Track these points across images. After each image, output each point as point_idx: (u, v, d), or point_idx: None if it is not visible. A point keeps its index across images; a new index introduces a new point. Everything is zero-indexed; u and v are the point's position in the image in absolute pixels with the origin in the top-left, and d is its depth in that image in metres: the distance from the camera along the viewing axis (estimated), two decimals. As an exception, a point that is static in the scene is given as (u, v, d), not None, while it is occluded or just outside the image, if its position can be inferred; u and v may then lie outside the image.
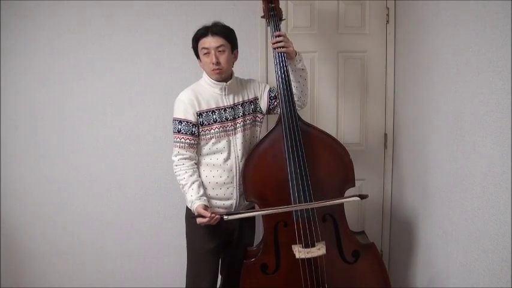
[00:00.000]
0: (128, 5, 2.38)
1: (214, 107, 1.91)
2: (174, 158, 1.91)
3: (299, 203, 1.82)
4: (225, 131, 1.93)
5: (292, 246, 1.86)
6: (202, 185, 1.90)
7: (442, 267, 1.93)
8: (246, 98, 1.99)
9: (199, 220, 1.77)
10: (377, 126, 2.55)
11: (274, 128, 1.90)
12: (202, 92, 1.92)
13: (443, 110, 1.88)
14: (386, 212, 2.59)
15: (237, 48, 1.95)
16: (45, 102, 2.42)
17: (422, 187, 2.11)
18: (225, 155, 1.93)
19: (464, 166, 1.71)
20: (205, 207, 1.79)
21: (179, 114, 1.89)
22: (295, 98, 1.94)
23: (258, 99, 2.02)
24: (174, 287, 2.52)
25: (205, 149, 1.93)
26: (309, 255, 1.83)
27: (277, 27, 1.92)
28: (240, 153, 1.94)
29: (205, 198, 1.85)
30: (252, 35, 2.41)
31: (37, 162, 2.45)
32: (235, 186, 1.95)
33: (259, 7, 2.34)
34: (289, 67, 1.90)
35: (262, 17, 2.03)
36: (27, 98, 2.41)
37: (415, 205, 2.24)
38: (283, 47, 1.86)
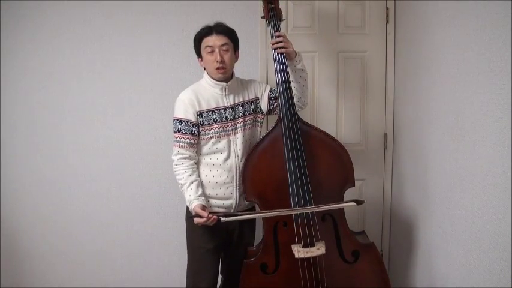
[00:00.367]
0: (127, 5, 2.38)
1: (214, 107, 1.92)
2: (173, 158, 1.91)
3: (299, 206, 1.82)
4: (225, 131, 1.93)
5: (292, 245, 1.86)
6: (201, 185, 1.90)
7: (442, 267, 1.93)
8: (246, 98, 1.99)
9: (196, 220, 1.78)
10: (377, 126, 2.55)
11: (273, 128, 1.90)
12: (202, 92, 1.93)
13: (443, 110, 1.88)
14: (386, 212, 2.59)
15: (238, 49, 1.96)
16: (45, 102, 2.42)
17: (422, 187, 2.11)
18: (225, 154, 1.93)
19: (464, 166, 1.71)
20: (203, 208, 1.79)
21: (179, 113, 1.90)
22: (295, 99, 1.94)
23: (258, 99, 2.02)
24: (174, 287, 2.52)
25: (205, 149, 1.93)
26: (308, 255, 1.83)
27: (277, 28, 1.92)
28: (240, 153, 1.95)
29: (203, 198, 1.85)
30: (252, 35, 2.41)
31: (37, 162, 2.45)
32: (235, 186, 1.95)
33: (259, 7, 2.34)
34: (289, 68, 1.90)
35: (262, 17, 2.03)
36: (27, 98, 2.41)
37: (415, 205, 2.24)
38: (282, 48, 1.86)
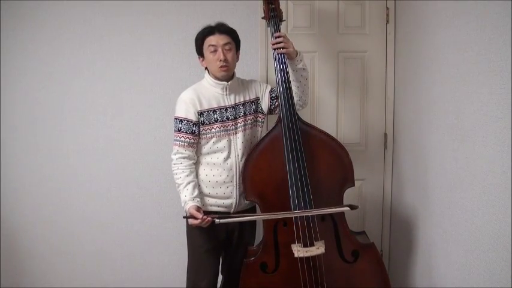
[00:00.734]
0: (128, 5, 2.39)
1: (215, 106, 1.92)
2: (173, 157, 1.92)
3: (299, 207, 1.82)
4: (226, 130, 1.93)
5: (292, 245, 1.86)
6: (197, 186, 1.91)
7: (442, 267, 1.93)
8: (247, 98, 1.99)
9: (190, 221, 1.79)
10: (377, 126, 2.55)
11: (273, 128, 1.91)
12: (203, 92, 1.93)
13: (443, 110, 1.88)
14: (386, 212, 2.59)
15: (239, 49, 1.97)
16: (45, 102, 2.42)
17: (422, 187, 2.11)
18: (225, 154, 1.93)
19: (464, 166, 1.71)
20: (198, 209, 1.80)
21: (180, 113, 1.90)
22: (297, 98, 1.95)
23: (259, 99, 2.03)
24: (174, 287, 2.52)
25: (206, 148, 1.93)
26: (307, 254, 1.83)
27: (277, 29, 1.92)
28: (240, 152, 1.95)
29: (199, 199, 1.86)
30: (252, 35, 2.41)
31: (37, 162, 2.45)
32: (235, 186, 1.95)
33: (259, 7, 2.34)
34: (290, 67, 1.91)
35: (262, 18, 2.03)
36: (27, 98, 2.41)
37: (415, 205, 2.24)
38: (283, 48, 1.87)
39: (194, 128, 1.89)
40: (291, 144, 1.83)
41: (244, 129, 1.97)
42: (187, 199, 1.83)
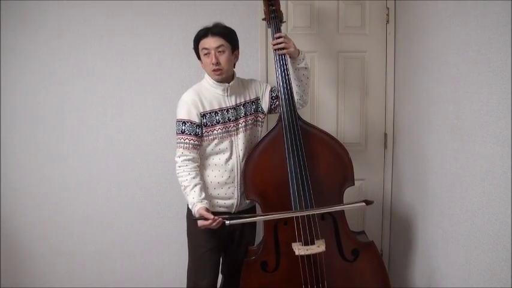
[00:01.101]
0: (128, 5, 2.38)
1: (217, 108, 1.92)
2: (177, 159, 1.90)
3: (300, 209, 1.82)
4: (228, 131, 1.93)
5: (292, 244, 1.86)
6: (204, 187, 1.90)
7: (441, 267, 1.93)
8: (247, 99, 1.99)
9: (200, 223, 1.77)
10: (377, 126, 2.55)
11: (274, 128, 1.91)
12: (204, 93, 1.93)
13: (443, 110, 1.88)
14: (386, 211, 2.60)
15: (238, 49, 1.96)
16: (45, 102, 2.42)
17: (422, 187, 2.12)
18: (227, 155, 1.93)
19: (464, 166, 1.71)
20: (207, 210, 1.79)
21: (183, 115, 1.89)
22: (297, 97, 1.95)
23: (259, 99, 2.03)
24: (174, 287, 2.53)
25: (208, 150, 1.93)
26: (308, 252, 1.83)
27: (277, 30, 1.92)
28: (241, 153, 1.95)
29: (207, 201, 1.85)
30: (252, 35, 2.41)
31: (37, 162, 2.45)
32: (236, 186, 1.95)
33: (259, 8, 2.34)
34: (291, 67, 1.91)
35: (263, 19, 2.03)
36: (27, 98, 2.41)
37: (415, 205, 2.24)
38: (283, 48, 1.87)
39: (197, 130, 1.89)
40: (292, 144, 1.84)
41: (245, 130, 1.97)
42: (196, 201, 1.81)
